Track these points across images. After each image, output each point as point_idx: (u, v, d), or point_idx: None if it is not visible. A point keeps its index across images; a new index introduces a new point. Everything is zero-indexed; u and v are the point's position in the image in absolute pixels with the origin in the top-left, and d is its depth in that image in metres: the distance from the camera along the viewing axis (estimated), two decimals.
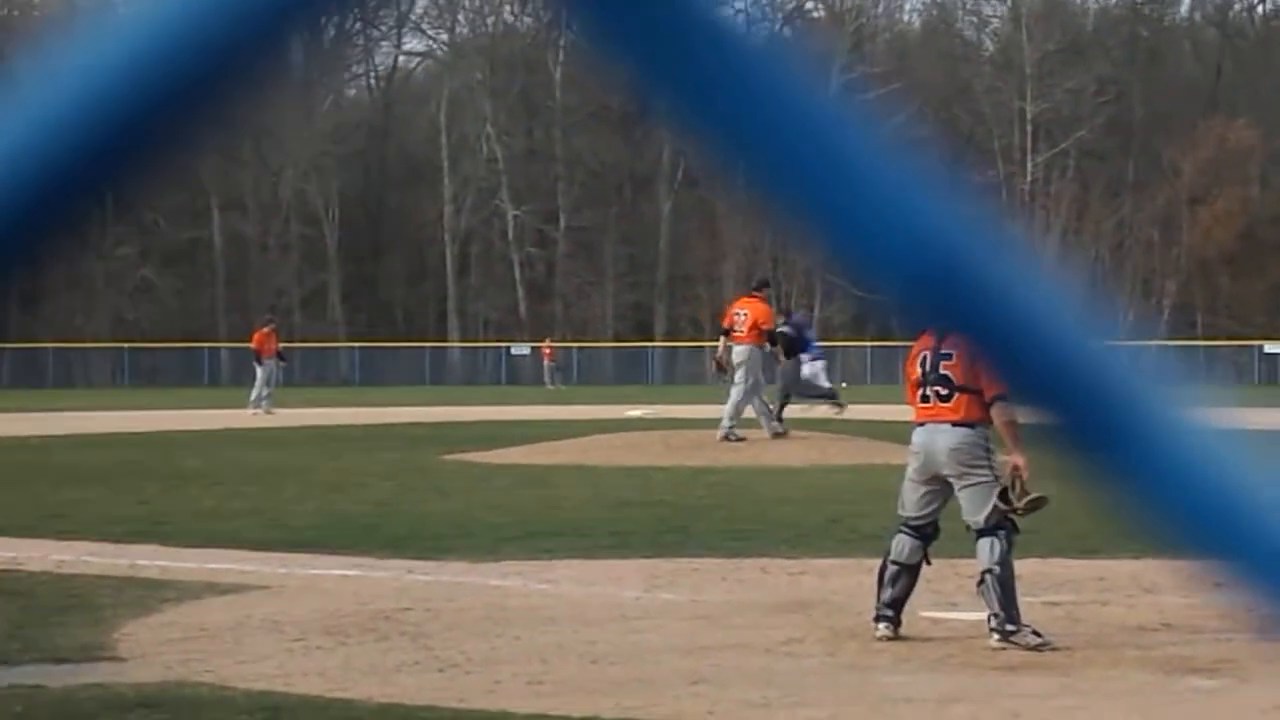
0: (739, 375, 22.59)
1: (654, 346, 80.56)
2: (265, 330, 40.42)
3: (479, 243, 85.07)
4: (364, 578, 11.63)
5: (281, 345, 41.43)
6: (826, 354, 36.37)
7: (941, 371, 9.35)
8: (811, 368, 38.51)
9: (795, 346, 32.45)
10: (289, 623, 9.72)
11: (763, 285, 23.78)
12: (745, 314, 22.54)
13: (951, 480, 9.26)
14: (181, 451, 24.93)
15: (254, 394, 39.40)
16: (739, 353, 22.55)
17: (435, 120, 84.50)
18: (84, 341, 74.30)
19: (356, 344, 78.59)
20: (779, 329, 33.05)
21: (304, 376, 68.61)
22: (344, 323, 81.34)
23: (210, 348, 74.98)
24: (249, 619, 9.88)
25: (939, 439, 9.26)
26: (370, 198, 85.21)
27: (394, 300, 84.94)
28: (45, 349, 73.25)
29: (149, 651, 8.84)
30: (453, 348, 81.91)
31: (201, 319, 77.99)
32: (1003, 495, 9.16)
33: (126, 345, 74.94)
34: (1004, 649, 8.92)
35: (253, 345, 41.16)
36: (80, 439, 28.68)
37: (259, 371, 39.74)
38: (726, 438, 22.73)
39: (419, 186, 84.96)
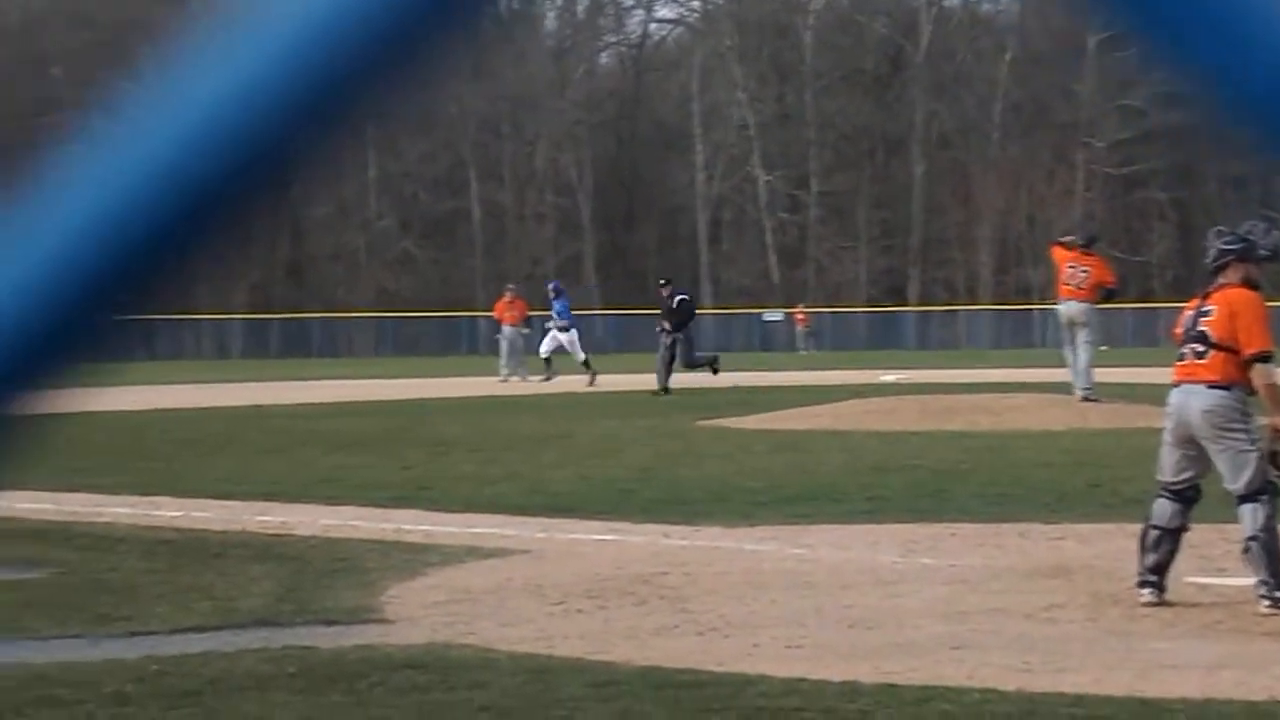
0: (1084, 334, 22.30)
1: (908, 311, 79.91)
2: (506, 299, 41.20)
3: (731, 209, 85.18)
4: (622, 542, 11.75)
5: (528, 313, 42.15)
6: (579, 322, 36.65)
7: (1199, 328, 9.14)
8: (569, 335, 38.17)
9: (687, 318, 32.35)
10: (549, 586, 9.87)
11: (1093, 240, 23.40)
12: (1088, 271, 22.17)
13: (1205, 444, 9.04)
14: (442, 418, 25.42)
15: (501, 362, 40.21)
16: (1082, 311, 22.16)
17: (686, 87, 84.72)
18: (348, 312, 76.14)
19: (611, 311, 79.27)
20: (680, 301, 32.92)
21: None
22: (598, 290, 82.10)
23: (469, 317, 76.25)
24: (510, 582, 10.06)
25: (1193, 400, 9.05)
26: (623, 166, 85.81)
27: (647, 268, 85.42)
28: (312, 319, 75.25)
29: (414, 614, 9.05)
30: (705, 314, 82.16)
31: (460, 289, 79.36)
32: (1273, 458, 8.93)
33: (389, 315, 76.59)
34: (1274, 615, 8.71)
35: (495, 314, 42.04)
36: (346, 407, 29.41)
37: (501, 341, 40.63)
38: (1086, 398, 22.60)
39: (671, 154, 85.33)
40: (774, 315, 78.24)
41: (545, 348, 38.61)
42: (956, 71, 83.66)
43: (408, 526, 12.51)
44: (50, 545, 11.17)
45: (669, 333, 32.27)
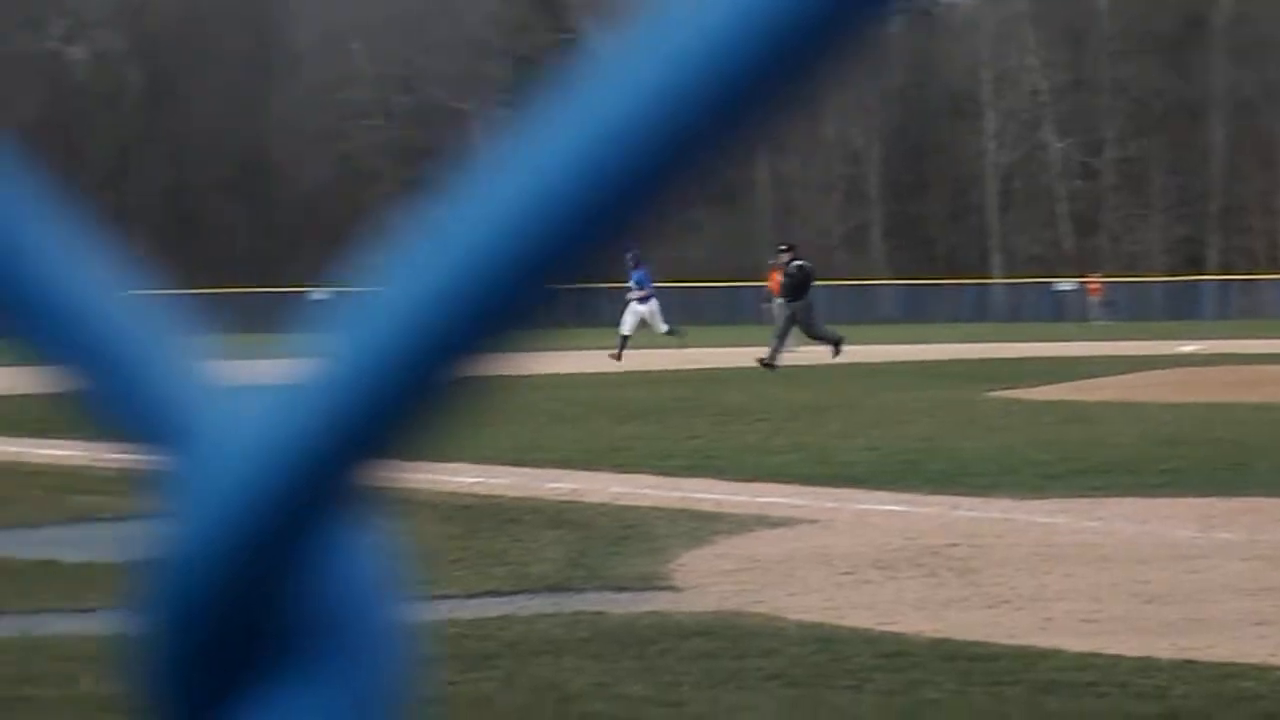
0: None
1: (1206, 280, 77.77)
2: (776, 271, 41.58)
3: (1022, 177, 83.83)
4: (910, 513, 11.69)
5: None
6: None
7: None
8: (648, 307, 35.98)
9: (803, 288, 30.89)
10: (837, 556, 9.87)
11: None
12: None
13: None
14: (726, 388, 25.52)
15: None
16: None
17: (977, 54, 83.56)
18: None
19: (899, 281, 78.67)
20: (791, 269, 31.42)
21: (845, 314, 69.19)
22: (886, 260, 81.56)
23: (754, 286, 76.42)
24: (798, 551, 10.08)
25: None
26: (912, 135, 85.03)
27: (936, 237, 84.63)
28: (599, 289, 76.07)
29: (703, 581, 9.12)
30: (995, 284, 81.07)
31: (747, 258, 79.55)
32: None
33: (676, 284, 77.15)
34: None
35: (769, 285, 42.47)
36: (634, 376, 29.71)
37: (773, 311, 40.83)
38: None
39: (961, 121, 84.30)
40: (1066, 285, 76.84)
41: (628, 324, 36.18)
42: (1260, 35, 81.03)
43: (696, 495, 12.61)
44: None
45: (788, 303, 31.79)
